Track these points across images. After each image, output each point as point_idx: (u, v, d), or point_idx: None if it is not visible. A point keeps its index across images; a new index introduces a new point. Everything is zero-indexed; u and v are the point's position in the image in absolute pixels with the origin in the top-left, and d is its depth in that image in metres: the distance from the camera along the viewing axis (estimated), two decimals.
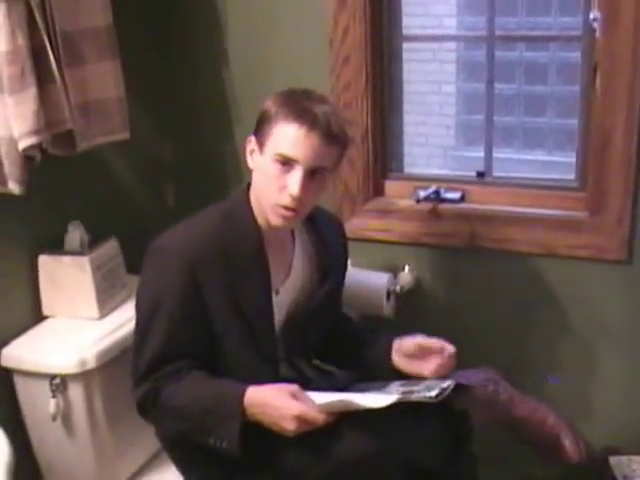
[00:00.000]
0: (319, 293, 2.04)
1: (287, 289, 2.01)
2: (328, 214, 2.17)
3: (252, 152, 1.90)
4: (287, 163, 1.81)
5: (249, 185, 1.96)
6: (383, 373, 2.05)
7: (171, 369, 1.84)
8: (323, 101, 1.85)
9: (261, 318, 1.93)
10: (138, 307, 1.92)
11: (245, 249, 1.90)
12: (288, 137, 1.79)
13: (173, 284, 1.84)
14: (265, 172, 1.84)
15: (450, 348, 1.98)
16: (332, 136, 1.82)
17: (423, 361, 1.99)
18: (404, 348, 2.02)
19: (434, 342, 1.99)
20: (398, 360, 2.03)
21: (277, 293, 1.98)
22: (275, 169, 1.82)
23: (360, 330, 2.21)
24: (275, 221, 1.87)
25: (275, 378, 1.92)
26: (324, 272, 2.05)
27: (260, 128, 1.86)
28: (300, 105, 1.80)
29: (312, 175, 1.83)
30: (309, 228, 2.05)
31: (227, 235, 1.89)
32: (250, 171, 1.92)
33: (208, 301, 1.85)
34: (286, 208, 1.84)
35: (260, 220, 1.92)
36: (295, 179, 1.80)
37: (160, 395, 1.84)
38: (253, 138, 1.88)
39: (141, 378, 1.87)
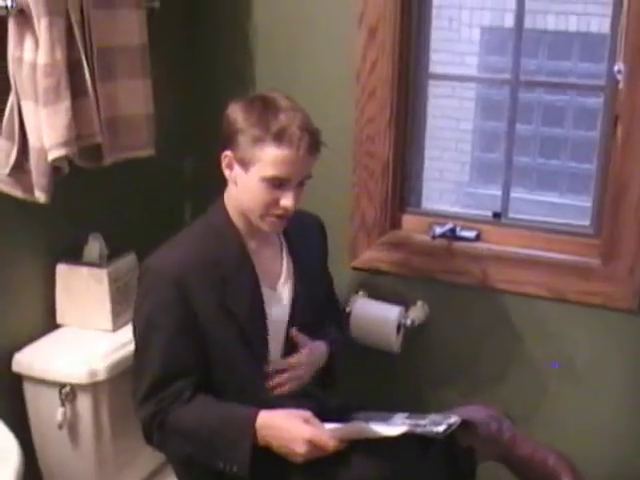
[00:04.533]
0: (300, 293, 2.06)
1: (284, 286, 2.04)
2: (307, 214, 2.18)
3: (230, 166, 1.92)
4: (278, 182, 1.86)
5: (222, 193, 2.00)
6: None
7: (173, 390, 1.86)
8: (295, 109, 1.88)
9: (253, 319, 1.96)
10: (134, 330, 1.95)
11: (229, 257, 1.94)
12: (278, 161, 1.83)
13: (163, 302, 1.88)
14: (253, 190, 1.88)
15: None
16: (317, 147, 1.89)
17: None
18: None
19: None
20: None
21: (274, 289, 2.02)
22: (265, 187, 1.86)
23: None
24: (267, 229, 1.95)
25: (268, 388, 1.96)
26: (299, 273, 2.07)
27: (236, 146, 1.88)
28: (281, 124, 1.83)
29: (299, 184, 1.90)
30: (286, 232, 2.06)
31: (210, 247, 1.94)
32: (225, 178, 1.96)
33: (199, 313, 1.88)
34: (278, 217, 1.90)
35: (240, 225, 1.97)
36: (289, 195, 1.87)
37: (167, 419, 1.85)
38: (229, 154, 1.91)
39: (143, 399, 1.88)
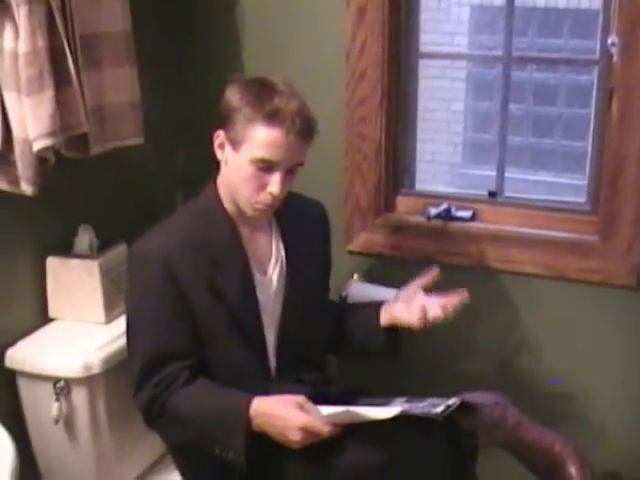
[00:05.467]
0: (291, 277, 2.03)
1: (274, 269, 2.01)
2: (309, 201, 2.16)
3: (222, 145, 1.90)
4: (266, 165, 1.83)
5: (215, 177, 1.98)
6: (373, 338, 2.13)
7: (168, 373, 1.85)
8: (292, 94, 1.85)
9: (245, 303, 1.93)
10: (126, 314, 1.94)
11: (219, 241, 1.93)
12: (267, 142, 1.81)
13: (151, 285, 1.87)
14: (241, 171, 1.86)
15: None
16: (309, 134, 1.86)
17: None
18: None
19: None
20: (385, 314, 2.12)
21: (265, 274, 1.99)
22: (253, 170, 1.84)
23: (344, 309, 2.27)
24: (251, 214, 1.92)
25: (264, 373, 1.95)
26: (290, 257, 2.04)
27: (229, 124, 1.86)
28: (274, 106, 1.80)
29: (289, 172, 1.87)
30: (278, 215, 2.04)
31: (200, 230, 1.93)
32: (218, 162, 1.93)
33: (189, 297, 1.87)
34: (265, 204, 1.88)
35: (231, 209, 1.95)
36: (276, 180, 1.84)
37: (166, 405, 1.84)
38: (222, 133, 1.88)
39: (139, 385, 1.87)
